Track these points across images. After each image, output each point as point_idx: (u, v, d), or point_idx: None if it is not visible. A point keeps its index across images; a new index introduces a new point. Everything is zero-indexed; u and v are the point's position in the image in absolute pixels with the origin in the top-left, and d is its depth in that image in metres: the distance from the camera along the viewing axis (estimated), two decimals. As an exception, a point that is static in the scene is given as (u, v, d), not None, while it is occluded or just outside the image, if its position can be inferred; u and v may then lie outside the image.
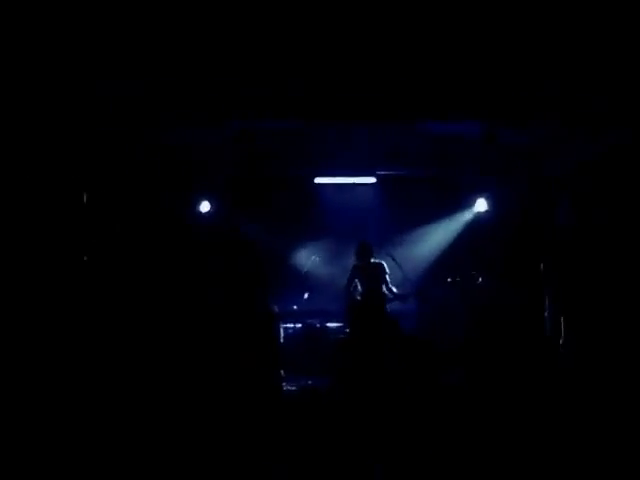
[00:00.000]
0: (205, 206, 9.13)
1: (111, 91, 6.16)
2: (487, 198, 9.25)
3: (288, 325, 8.97)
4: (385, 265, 7.96)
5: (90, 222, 7.21)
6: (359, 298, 7.86)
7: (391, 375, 7.00)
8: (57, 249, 6.44)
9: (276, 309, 8.11)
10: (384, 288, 7.93)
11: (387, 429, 5.38)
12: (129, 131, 7.18)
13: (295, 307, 8.90)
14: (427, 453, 4.80)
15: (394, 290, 7.94)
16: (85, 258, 6.98)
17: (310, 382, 7.83)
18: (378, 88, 6.26)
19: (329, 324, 9.09)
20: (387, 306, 7.87)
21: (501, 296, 8.55)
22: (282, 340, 8.42)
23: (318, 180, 9.53)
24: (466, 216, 9.52)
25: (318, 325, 9.10)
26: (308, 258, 9.03)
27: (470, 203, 9.40)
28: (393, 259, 8.15)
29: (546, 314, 8.65)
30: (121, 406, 5.86)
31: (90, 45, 5.40)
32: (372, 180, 9.56)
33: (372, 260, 7.92)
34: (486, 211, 9.31)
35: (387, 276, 7.93)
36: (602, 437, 4.96)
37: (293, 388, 7.62)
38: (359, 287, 7.98)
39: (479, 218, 9.43)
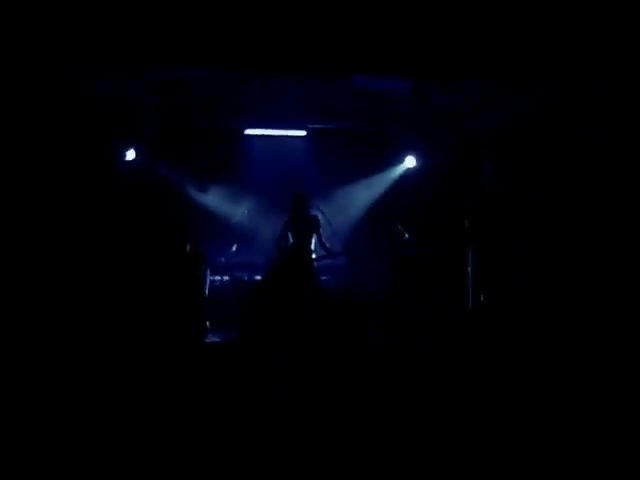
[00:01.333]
0: (131, 154, 8.88)
1: (28, 35, 5.83)
2: (416, 155, 9.34)
3: (216, 277, 8.91)
4: (319, 219, 8.00)
5: (11, 171, 6.93)
6: (286, 249, 7.86)
7: (309, 328, 7.03)
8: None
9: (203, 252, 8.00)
10: (314, 243, 7.97)
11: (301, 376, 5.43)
12: (52, 80, 6.85)
13: (223, 259, 8.84)
14: (346, 405, 4.87)
15: (326, 244, 7.99)
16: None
17: (235, 334, 7.82)
18: (307, 39, 6.15)
19: (257, 277, 9.07)
20: (314, 262, 7.93)
21: (427, 252, 8.70)
22: (208, 291, 8.36)
23: (248, 132, 9.39)
24: (395, 172, 9.59)
25: (246, 278, 9.06)
26: (237, 210, 8.96)
27: (400, 160, 9.47)
28: (323, 214, 8.19)
29: (469, 270, 8.89)
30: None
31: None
32: (303, 133, 9.48)
33: (307, 213, 7.93)
34: (415, 168, 9.41)
35: (320, 230, 7.98)
36: (519, 384, 5.17)
37: (217, 340, 7.61)
38: (291, 240, 7.99)
39: (408, 174, 9.53)
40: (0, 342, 5.79)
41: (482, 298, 8.27)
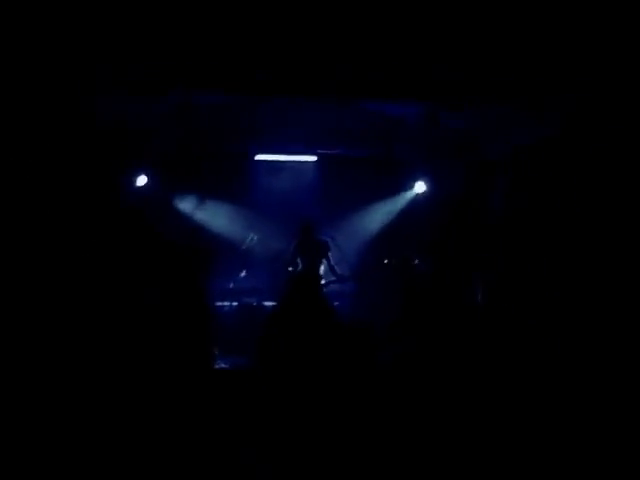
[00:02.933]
0: (142, 180, 8.89)
1: (45, 58, 5.87)
2: (426, 180, 9.32)
3: (224, 303, 8.86)
4: (329, 243, 7.99)
5: (19, 195, 6.91)
6: (296, 274, 7.83)
7: (322, 356, 6.96)
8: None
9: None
10: (324, 267, 7.95)
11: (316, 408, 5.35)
12: (63, 104, 6.89)
13: (231, 285, 8.80)
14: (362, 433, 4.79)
15: (336, 269, 7.97)
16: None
17: (244, 360, 7.74)
18: (319, 65, 6.19)
19: (266, 302, 9.02)
20: (324, 287, 7.89)
21: (436, 278, 8.64)
22: (216, 317, 8.30)
23: (258, 157, 9.41)
24: (405, 197, 9.57)
25: (255, 304, 9.00)
26: (246, 236, 8.93)
27: (409, 185, 9.46)
28: (332, 238, 8.17)
29: (479, 296, 8.81)
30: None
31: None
32: (313, 158, 9.51)
33: (315, 238, 7.94)
34: (424, 193, 9.38)
35: (330, 254, 7.96)
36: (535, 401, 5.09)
37: (226, 367, 7.53)
38: (300, 265, 7.98)
39: (418, 200, 9.51)
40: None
41: (493, 324, 8.21)
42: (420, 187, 9.36)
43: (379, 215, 9.66)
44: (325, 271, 8.11)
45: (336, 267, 8.03)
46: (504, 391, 5.58)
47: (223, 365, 7.53)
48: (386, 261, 9.00)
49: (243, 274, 8.70)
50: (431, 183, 9.30)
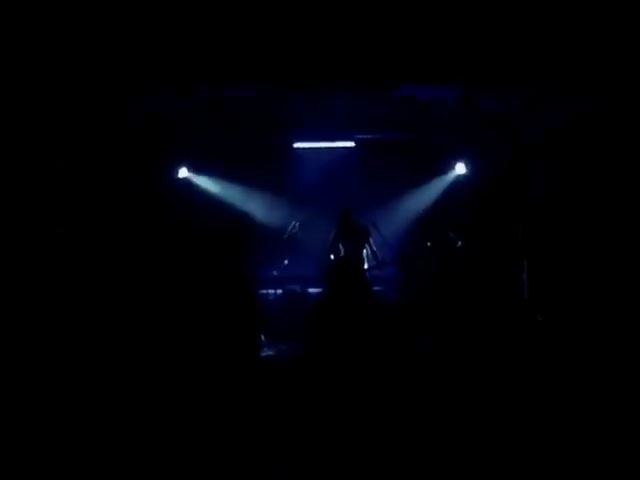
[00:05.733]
0: (183, 172, 9.09)
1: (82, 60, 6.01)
2: (466, 163, 9.25)
3: (269, 291, 9.00)
4: (370, 229, 8.01)
5: (65, 191, 7.11)
6: (338, 261, 7.88)
7: (366, 339, 7.00)
8: (30, 219, 6.37)
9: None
10: (367, 252, 7.96)
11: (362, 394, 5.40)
12: (100, 101, 7.03)
13: (275, 273, 8.91)
14: (404, 420, 4.82)
15: (377, 254, 7.98)
16: (60, 229, 6.91)
17: (289, 347, 7.86)
18: (354, 53, 6.17)
19: (310, 289, 9.12)
20: (367, 272, 7.92)
21: (480, 260, 8.58)
22: (262, 305, 8.45)
23: (297, 145, 9.47)
24: (445, 180, 9.52)
25: (299, 291, 9.12)
26: (288, 224, 9.01)
27: (449, 167, 9.40)
28: (373, 224, 8.17)
29: (524, 277, 8.72)
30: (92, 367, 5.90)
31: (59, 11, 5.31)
32: (351, 144, 9.51)
33: (356, 223, 7.96)
34: (465, 175, 9.31)
35: (371, 239, 7.98)
36: (577, 401, 5.01)
37: (272, 353, 7.67)
38: (342, 252, 8.01)
39: (458, 182, 9.45)
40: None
41: (539, 305, 8.12)
42: (460, 169, 9.29)
43: (419, 199, 9.62)
44: (367, 256, 8.13)
45: (377, 252, 8.04)
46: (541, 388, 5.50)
47: (269, 352, 7.67)
48: (429, 244, 8.99)
49: (286, 262, 8.79)
50: (471, 165, 9.23)
